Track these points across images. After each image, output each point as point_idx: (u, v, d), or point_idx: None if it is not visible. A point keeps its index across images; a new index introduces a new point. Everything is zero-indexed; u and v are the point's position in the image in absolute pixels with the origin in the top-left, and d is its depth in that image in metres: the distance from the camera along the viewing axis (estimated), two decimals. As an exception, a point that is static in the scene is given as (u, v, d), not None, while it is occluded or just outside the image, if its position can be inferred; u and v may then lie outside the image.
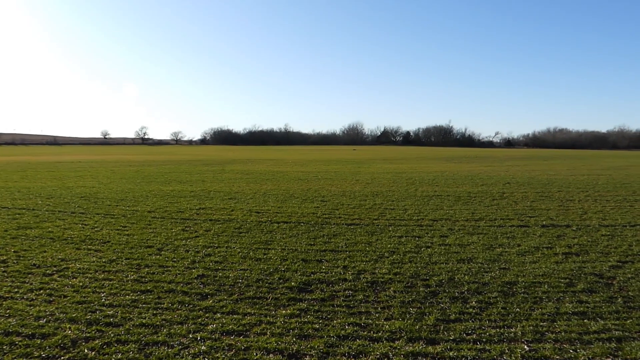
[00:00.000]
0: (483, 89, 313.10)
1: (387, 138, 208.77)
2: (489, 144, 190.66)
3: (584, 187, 23.94)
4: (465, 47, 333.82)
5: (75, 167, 38.31)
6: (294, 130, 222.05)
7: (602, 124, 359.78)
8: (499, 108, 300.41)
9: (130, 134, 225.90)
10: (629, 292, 7.72)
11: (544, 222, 13.90)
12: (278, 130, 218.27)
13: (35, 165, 40.47)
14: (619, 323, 6.44)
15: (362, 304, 7.22)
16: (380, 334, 6.11)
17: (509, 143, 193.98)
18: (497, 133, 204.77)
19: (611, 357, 5.45)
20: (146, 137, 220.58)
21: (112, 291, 7.77)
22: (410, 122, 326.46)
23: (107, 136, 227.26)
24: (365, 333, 6.14)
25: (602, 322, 6.46)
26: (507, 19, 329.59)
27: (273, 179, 28.08)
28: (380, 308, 7.05)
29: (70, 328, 6.26)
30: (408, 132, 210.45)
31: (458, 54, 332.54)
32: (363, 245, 11.02)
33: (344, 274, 8.73)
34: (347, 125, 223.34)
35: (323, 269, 9.11)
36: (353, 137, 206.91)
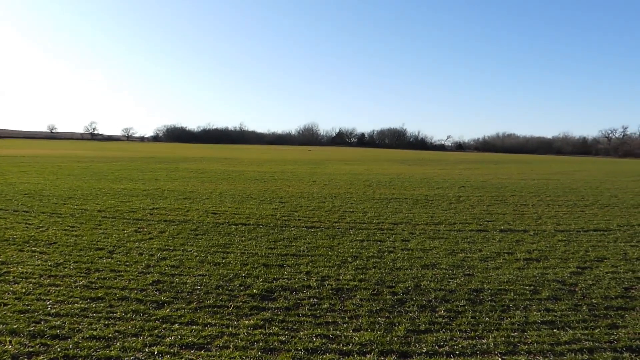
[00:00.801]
0: (436, 93, 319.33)
1: (342, 139, 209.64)
2: (441, 147, 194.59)
3: (536, 191, 24.54)
4: (418, 51, 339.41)
5: (19, 162, 36.34)
6: (249, 130, 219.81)
7: (548, 130, 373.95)
8: (450, 112, 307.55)
9: (79, 129, 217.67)
10: (593, 300, 7.76)
11: (502, 227, 14.04)
12: (233, 129, 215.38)
13: (-27, 159, 38.19)
14: (588, 332, 6.42)
15: (329, 313, 6.94)
16: (350, 346, 5.84)
17: (460, 147, 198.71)
18: (449, 136, 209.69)
19: (586, 369, 5.38)
20: (96, 132, 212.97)
21: (58, 298, 7.18)
22: (365, 124, 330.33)
23: (53, 130, 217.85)
24: (334, 346, 5.85)
25: (571, 331, 6.42)
26: (459, 22, 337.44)
27: (229, 179, 27.46)
28: (348, 318, 6.78)
29: (11, 342, 5.67)
30: (363, 134, 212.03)
31: (412, 57, 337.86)
32: (325, 249, 10.75)
33: (308, 280, 8.42)
34: (302, 126, 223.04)
35: (285, 274, 8.77)
36: (308, 138, 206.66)
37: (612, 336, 6.32)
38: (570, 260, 10.33)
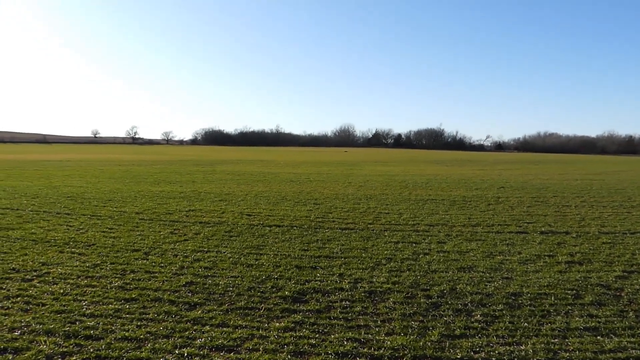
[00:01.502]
0: (474, 92, 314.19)
1: (378, 140, 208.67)
2: (480, 148, 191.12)
3: (579, 192, 23.70)
4: (456, 51, 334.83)
5: (64, 166, 37.59)
6: (285, 132, 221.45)
7: (592, 129, 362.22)
8: (489, 111, 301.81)
9: (121, 133, 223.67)
10: (640, 306, 7.38)
11: (543, 229, 13.57)
12: (269, 131, 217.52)
13: (22, 164, 39.70)
14: (635, 340, 6.06)
15: (361, 317, 6.80)
16: (382, 351, 5.68)
17: (499, 147, 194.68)
18: (488, 136, 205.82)
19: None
20: (137, 136, 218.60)
21: (94, 299, 7.30)
22: (402, 125, 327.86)
23: (97, 135, 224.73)
24: (365, 350, 5.71)
25: (616, 339, 6.08)
26: (500, 22, 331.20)
27: (264, 181, 27.62)
28: (380, 321, 6.63)
29: (46, 342, 5.77)
30: (399, 135, 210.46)
31: (450, 57, 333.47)
32: (359, 251, 10.61)
33: (340, 283, 8.31)
34: (338, 127, 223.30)
35: (318, 276, 8.67)
36: (344, 139, 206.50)
37: (662, 343, 5.97)
38: (616, 264, 9.86)
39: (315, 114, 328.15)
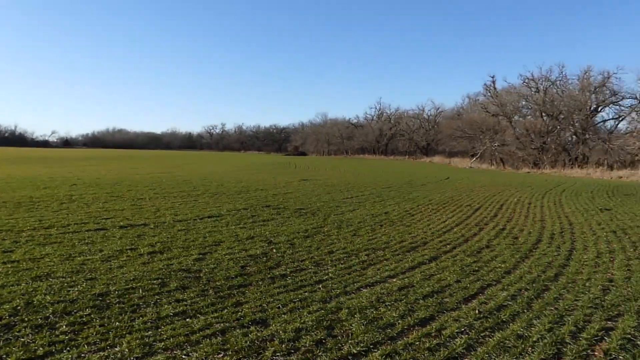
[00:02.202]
0: (35, 83, 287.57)
1: None
2: (45, 144, 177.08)
3: (151, 185, 24.83)
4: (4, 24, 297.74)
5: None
6: None
7: (157, 126, 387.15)
8: (54, 106, 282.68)
9: None
10: (217, 283, 8.15)
11: (122, 223, 13.48)
12: None
13: None
14: (218, 315, 6.63)
15: None
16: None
17: (67, 142, 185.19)
18: (53, 132, 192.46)
19: (222, 352, 5.47)
20: None
21: None
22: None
23: None
24: None
25: (202, 318, 6.50)
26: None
27: None
28: None
29: None
30: None
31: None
32: None
33: None
34: None
35: None
36: None
37: (239, 313, 6.72)
38: (192, 248, 10.68)
39: None
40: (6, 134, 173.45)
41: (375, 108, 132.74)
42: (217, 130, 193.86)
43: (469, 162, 70.82)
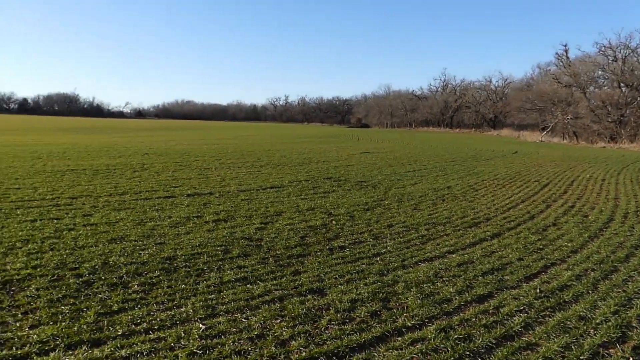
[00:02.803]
0: (111, 56, 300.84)
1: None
2: (120, 115, 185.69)
3: (217, 155, 25.64)
4: (83, 6, 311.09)
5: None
6: None
7: (223, 98, 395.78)
8: (128, 78, 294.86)
9: None
10: (277, 251, 8.43)
11: (189, 191, 14.10)
12: None
13: None
14: (276, 282, 6.90)
15: (-6, 313, 5.65)
16: (27, 348, 4.84)
17: (140, 114, 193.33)
18: (127, 103, 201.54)
19: (279, 318, 5.73)
20: None
21: None
22: (27, 88, 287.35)
23: None
24: (4, 352, 4.76)
25: (262, 284, 6.79)
26: None
27: None
28: (22, 314, 5.64)
29: None
30: (25, 100, 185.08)
31: (82, 13, 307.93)
32: (-16, 236, 8.82)
33: (-39, 278, 6.73)
34: None
35: None
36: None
37: (297, 282, 6.95)
38: (254, 217, 11.04)
39: None
40: (85, 106, 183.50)
41: (440, 79, 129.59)
42: (281, 102, 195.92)
43: (540, 136, 67.80)
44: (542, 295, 6.78)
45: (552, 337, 5.51)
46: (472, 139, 67.97)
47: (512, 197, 15.17)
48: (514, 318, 5.96)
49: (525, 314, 6.08)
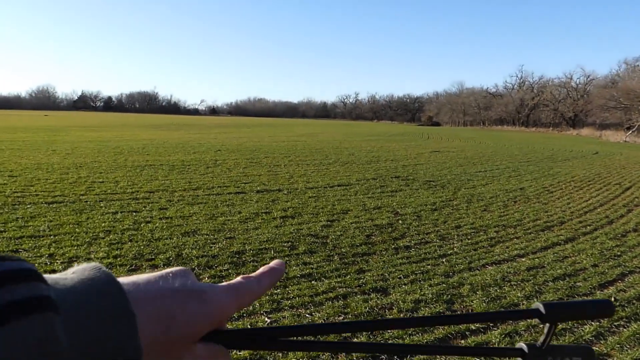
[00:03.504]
0: (187, 55, 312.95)
1: (85, 103, 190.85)
2: (195, 112, 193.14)
3: (286, 152, 26.11)
4: (163, 13, 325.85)
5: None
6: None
7: (293, 96, 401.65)
8: (202, 77, 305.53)
9: None
10: (342, 249, 8.52)
11: (258, 188, 14.47)
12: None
13: None
14: (341, 280, 6.99)
15: (79, 298, 6.11)
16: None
17: (214, 111, 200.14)
18: (202, 101, 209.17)
19: (342, 315, 5.82)
20: None
21: None
22: (112, 87, 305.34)
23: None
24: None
25: (327, 281, 6.90)
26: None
27: (-63, 151, 22.40)
28: (103, 300, 6.08)
29: None
30: (110, 98, 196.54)
31: (162, 19, 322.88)
32: (71, 226, 9.51)
33: (52, 264, 7.32)
34: (35, 87, 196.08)
35: (24, 260, 7.45)
36: (43, 102, 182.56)
37: (361, 280, 7.01)
38: (321, 215, 11.19)
39: (4, 72, 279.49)
40: (163, 103, 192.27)
41: (517, 76, 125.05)
42: (351, 100, 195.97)
43: (624, 136, 63.79)
44: (617, 304, 6.44)
45: (625, 348, 5.24)
46: (549, 138, 65.01)
47: (590, 200, 14.43)
48: (585, 326, 5.71)
49: (598, 323, 5.81)
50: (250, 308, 5.92)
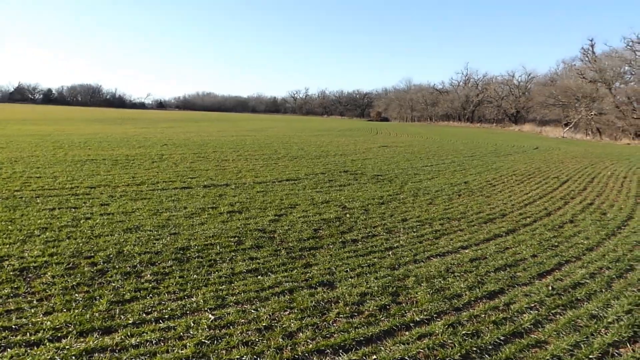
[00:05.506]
0: (133, 48, 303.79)
1: (23, 95, 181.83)
2: (142, 106, 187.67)
3: (235, 147, 25.78)
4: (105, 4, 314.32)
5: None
6: None
7: (243, 91, 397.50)
8: (149, 70, 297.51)
9: None
10: (289, 244, 8.47)
11: (205, 183, 14.22)
12: None
13: None
14: (287, 274, 6.95)
15: (10, 300, 5.79)
16: (40, 334, 4.96)
17: (161, 105, 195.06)
18: (149, 94, 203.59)
19: (288, 310, 5.77)
20: None
21: None
22: (52, 79, 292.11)
23: None
24: (19, 337, 4.89)
25: (273, 276, 6.85)
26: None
27: None
28: (37, 301, 5.78)
29: None
30: (50, 90, 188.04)
31: (101, 12, 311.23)
32: (4, 223, 9.01)
33: (-19, 264, 6.91)
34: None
35: (-53, 260, 7.00)
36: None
37: (307, 274, 6.99)
38: (269, 209, 11.10)
39: None
40: (108, 96, 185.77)
41: (462, 73, 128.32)
42: (301, 95, 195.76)
43: (562, 132, 66.73)
44: (554, 292, 6.71)
45: (561, 335, 5.45)
46: (492, 134, 67.18)
47: (530, 193, 14.99)
48: (524, 315, 5.91)
49: (536, 311, 6.02)
50: (194, 305, 5.79)
